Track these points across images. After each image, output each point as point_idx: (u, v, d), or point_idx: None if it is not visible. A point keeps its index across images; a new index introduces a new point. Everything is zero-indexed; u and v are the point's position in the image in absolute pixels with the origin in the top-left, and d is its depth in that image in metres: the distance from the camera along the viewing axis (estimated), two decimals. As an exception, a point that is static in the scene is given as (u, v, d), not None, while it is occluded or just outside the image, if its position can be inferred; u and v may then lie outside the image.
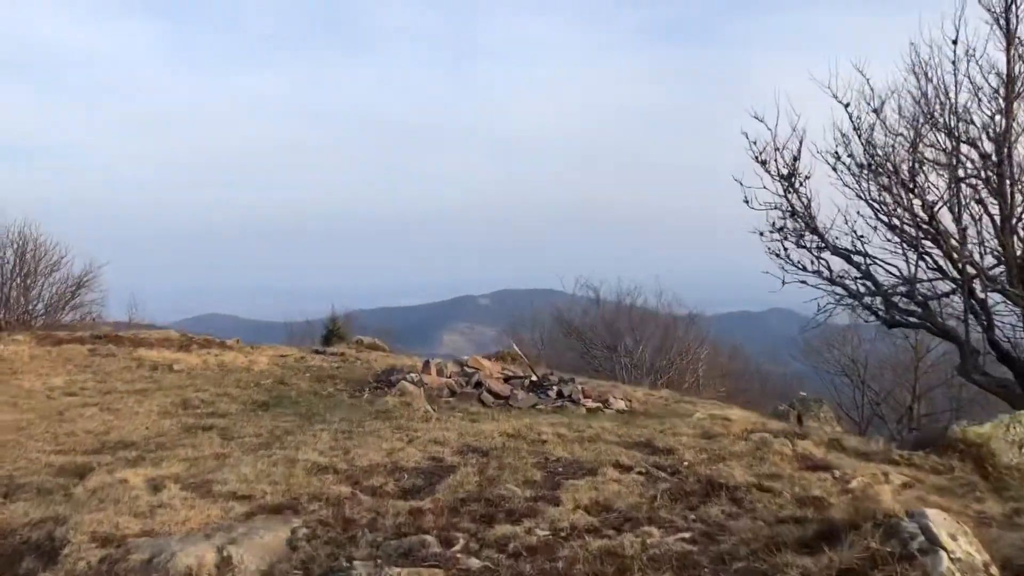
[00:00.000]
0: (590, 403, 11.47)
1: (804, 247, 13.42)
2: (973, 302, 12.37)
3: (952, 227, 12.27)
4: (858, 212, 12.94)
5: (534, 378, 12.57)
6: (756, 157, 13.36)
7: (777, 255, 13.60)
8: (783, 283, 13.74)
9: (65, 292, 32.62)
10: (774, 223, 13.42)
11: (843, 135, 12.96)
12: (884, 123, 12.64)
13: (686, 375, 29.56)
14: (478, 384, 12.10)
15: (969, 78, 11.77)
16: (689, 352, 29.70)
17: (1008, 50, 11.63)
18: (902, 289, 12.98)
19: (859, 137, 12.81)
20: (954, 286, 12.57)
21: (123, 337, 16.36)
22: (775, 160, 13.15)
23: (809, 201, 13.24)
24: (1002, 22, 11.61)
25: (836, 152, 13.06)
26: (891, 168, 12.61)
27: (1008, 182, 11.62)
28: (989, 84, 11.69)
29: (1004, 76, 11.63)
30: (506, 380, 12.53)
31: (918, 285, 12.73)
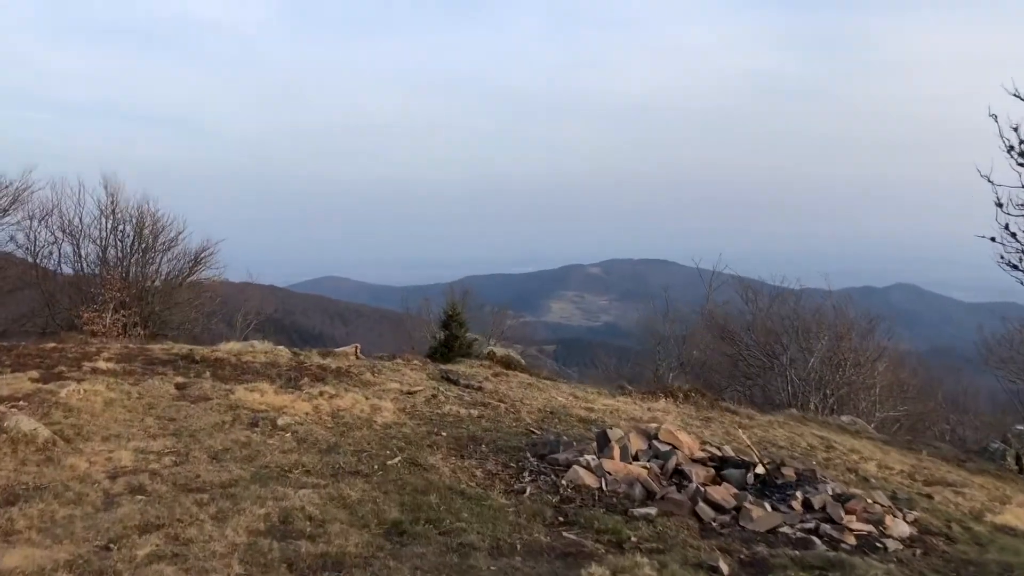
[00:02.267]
0: (854, 522, 7.85)
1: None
2: None
3: None
4: None
5: (759, 468, 9.06)
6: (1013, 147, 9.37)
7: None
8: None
9: (183, 267, 31.48)
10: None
11: None
12: None
13: (860, 393, 25.37)
14: (680, 474, 8.72)
15: None
16: (866, 365, 25.48)
17: None
18: None
19: None
20: None
21: (223, 360, 13.70)
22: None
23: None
24: None
25: None
26: None
27: None
28: None
29: None
30: (717, 469, 9.08)
31: None
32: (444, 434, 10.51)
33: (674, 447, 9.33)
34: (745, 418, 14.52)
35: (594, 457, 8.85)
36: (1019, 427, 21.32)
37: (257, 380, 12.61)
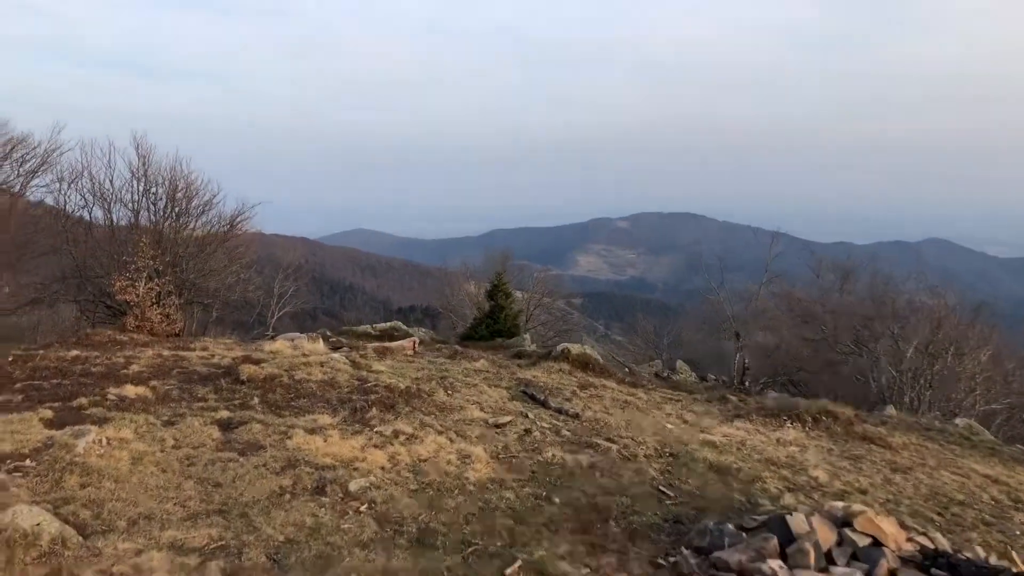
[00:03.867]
0: None
1: None
2: None
3: None
4: None
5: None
6: None
7: None
8: None
9: (218, 232, 30.09)
10: None
11: None
12: None
13: (956, 385, 22.85)
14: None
15: None
16: (969, 355, 22.92)
17: None
18: None
19: None
20: None
21: (273, 379, 11.50)
22: None
23: None
24: None
25: None
26: None
27: None
28: None
29: None
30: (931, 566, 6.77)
31: None
32: (557, 501, 8.27)
33: (875, 540, 7.04)
34: (881, 445, 12.15)
35: (780, 566, 6.57)
36: None
37: (315, 409, 10.43)
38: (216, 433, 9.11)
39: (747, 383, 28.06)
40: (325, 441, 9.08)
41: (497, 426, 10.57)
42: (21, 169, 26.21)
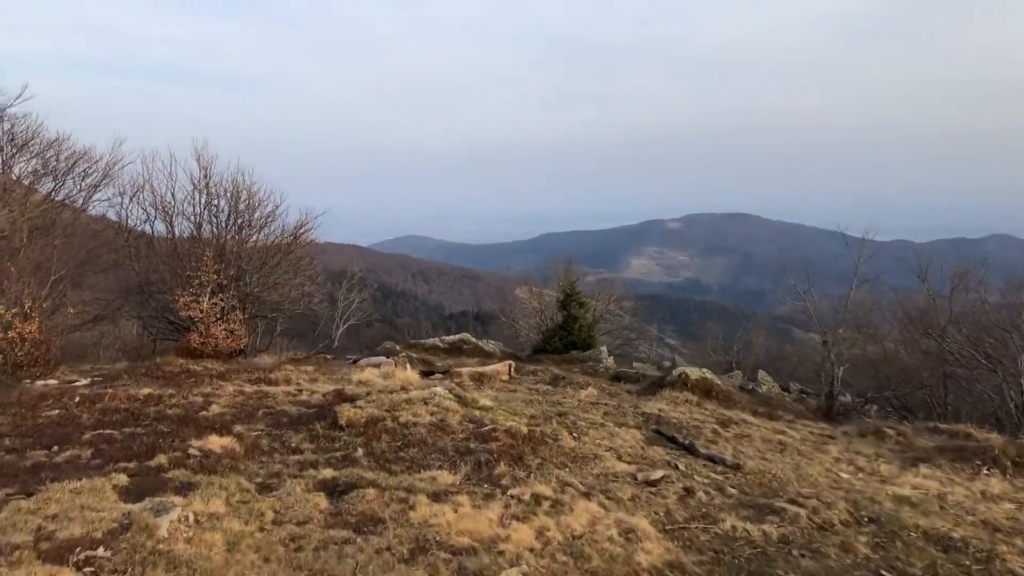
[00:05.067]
0: None
1: None
2: None
3: None
4: None
5: None
6: None
7: None
8: None
9: (282, 244, 29.09)
10: None
11: None
12: None
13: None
14: None
15: None
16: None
17: None
18: None
19: None
20: None
21: (375, 423, 9.80)
22: None
23: None
24: None
25: None
26: None
27: None
28: None
29: None
30: None
31: None
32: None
33: None
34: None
35: None
36: None
37: (431, 463, 8.71)
38: (323, 502, 7.42)
39: (835, 396, 25.77)
40: (456, 512, 7.33)
41: (649, 483, 8.73)
42: (83, 183, 25.42)
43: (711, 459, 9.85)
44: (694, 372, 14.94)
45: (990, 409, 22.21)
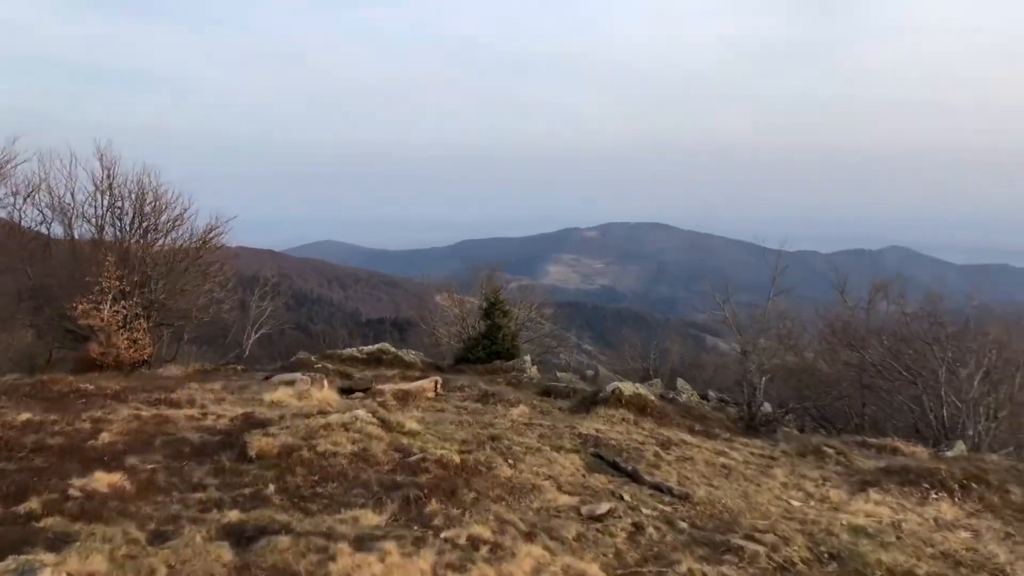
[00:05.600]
0: None
1: None
2: None
3: None
4: None
5: None
6: None
7: None
8: None
9: (190, 249, 27.64)
10: None
11: None
12: None
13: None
14: None
15: None
16: (1036, 382, 20.69)
17: None
18: None
19: None
20: None
21: (289, 453, 8.75)
22: None
23: None
24: None
25: None
26: None
27: None
28: None
29: None
30: None
31: None
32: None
33: None
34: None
35: None
36: None
37: (353, 500, 7.75)
38: (227, 554, 6.37)
39: (758, 407, 25.65)
40: (383, 563, 6.39)
41: (595, 518, 7.96)
42: (-30, 182, 23.57)
43: (657, 488, 9.15)
44: (628, 388, 14.30)
45: (910, 420, 22.31)
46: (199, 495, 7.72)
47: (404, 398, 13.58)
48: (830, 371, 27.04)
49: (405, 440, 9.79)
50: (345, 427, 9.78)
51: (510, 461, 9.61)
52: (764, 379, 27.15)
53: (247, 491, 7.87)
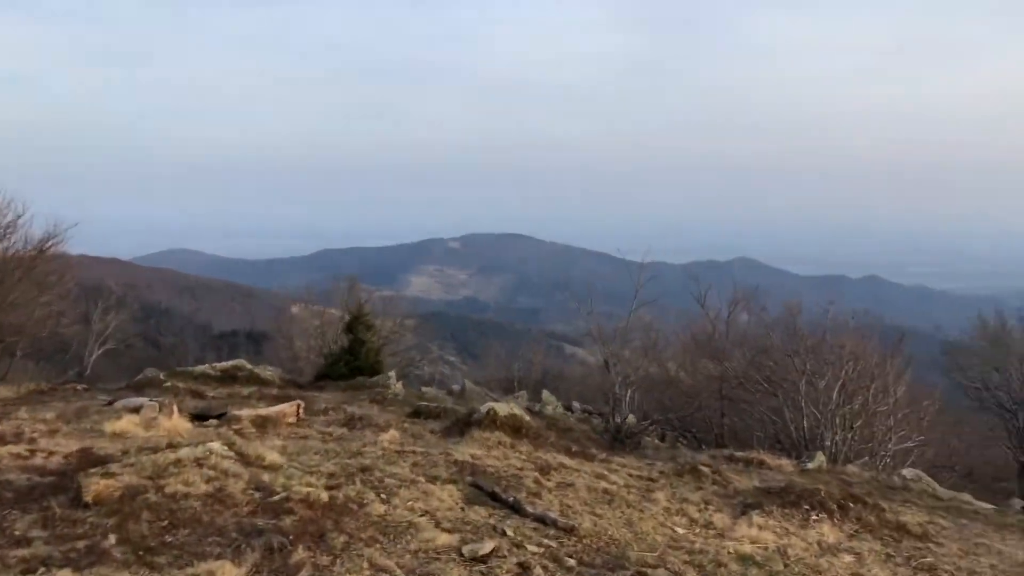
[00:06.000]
0: None
1: None
2: None
3: None
4: None
5: None
6: None
7: None
8: None
9: (24, 259, 25.63)
10: None
11: None
12: None
13: (876, 431, 21.53)
14: None
15: None
16: (888, 391, 21.65)
17: None
18: None
19: None
20: None
21: (133, 494, 7.74)
22: None
23: None
24: None
25: None
26: None
27: None
28: None
29: None
30: None
31: None
32: None
33: None
34: (920, 537, 9.88)
35: None
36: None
37: (207, 550, 6.87)
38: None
39: (623, 420, 25.85)
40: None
41: (478, 559, 7.38)
42: None
43: (541, 520, 8.67)
44: (502, 408, 13.81)
45: (771, 432, 22.93)
46: (22, 552, 6.65)
47: (263, 425, 12.61)
48: (692, 382, 27.55)
49: (266, 476, 8.92)
50: (198, 462, 8.82)
51: (383, 496, 8.91)
52: (630, 391, 27.38)
53: (82, 544, 6.85)
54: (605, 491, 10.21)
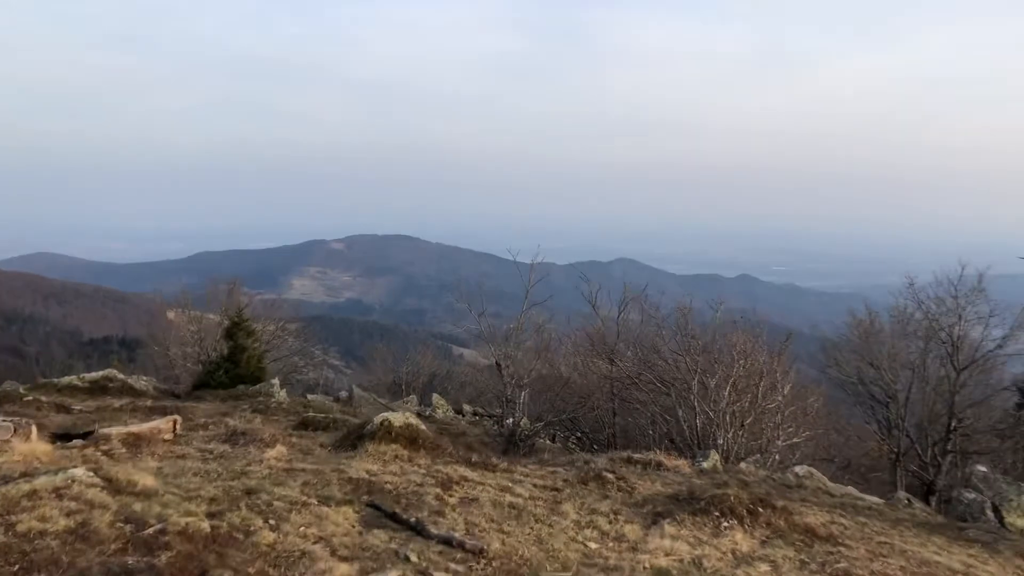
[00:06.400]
0: None
1: None
2: None
3: None
4: None
5: None
6: None
7: None
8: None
9: None
10: None
11: None
12: None
13: (764, 428, 21.84)
14: None
15: None
16: (777, 389, 21.97)
17: None
18: None
19: None
20: None
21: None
22: None
23: None
24: None
25: None
26: None
27: None
28: None
29: None
30: None
31: None
32: None
33: None
34: (833, 542, 9.78)
35: None
36: (981, 468, 18.65)
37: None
38: None
39: (517, 422, 25.55)
40: None
41: (378, 591, 6.72)
42: None
43: (447, 542, 8.05)
44: (398, 419, 13.09)
45: (664, 430, 22.97)
46: None
47: (136, 444, 11.51)
48: (584, 382, 27.41)
49: (138, 505, 7.98)
50: (58, 493, 7.80)
51: (272, 522, 8.11)
52: (523, 393, 27.03)
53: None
54: (511, 505, 9.68)
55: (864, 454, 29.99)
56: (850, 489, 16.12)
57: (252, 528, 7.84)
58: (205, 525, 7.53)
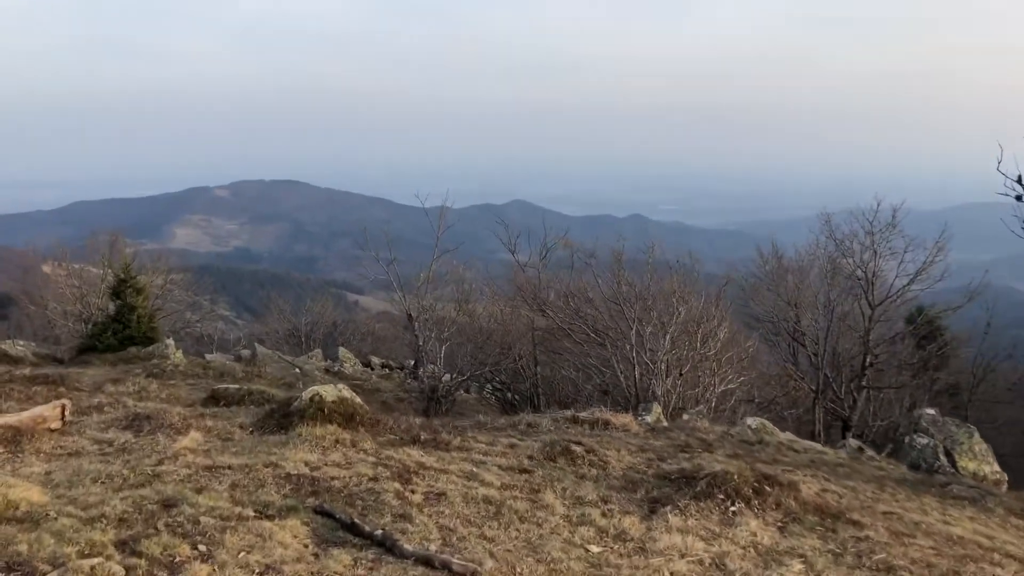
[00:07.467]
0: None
1: None
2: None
3: None
4: None
5: None
6: None
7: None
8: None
9: None
10: None
11: None
12: None
13: (701, 376, 21.06)
14: None
15: None
16: (712, 337, 21.14)
17: None
18: None
19: None
20: None
21: None
22: None
23: None
24: None
25: None
26: None
27: None
28: None
29: None
30: None
31: None
32: None
33: None
34: (846, 521, 8.71)
35: None
36: (929, 410, 18.27)
37: None
38: None
39: (438, 377, 24.12)
40: None
41: None
42: None
43: (427, 562, 6.47)
44: (329, 392, 11.35)
45: (598, 382, 21.95)
46: None
47: (15, 439, 9.45)
48: (507, 332, 26.15)
49: (21, 537, 6.12)
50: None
51: (202, 547, 6.38)
52: (444, 347, 25.46)
53: None
54: (486, 500, 8.18)
55: (785, 394, 29.89)
56: (808, 442, 15.38)
57: (177, 559, 6.11)
58: (118, 568, 5.74)
